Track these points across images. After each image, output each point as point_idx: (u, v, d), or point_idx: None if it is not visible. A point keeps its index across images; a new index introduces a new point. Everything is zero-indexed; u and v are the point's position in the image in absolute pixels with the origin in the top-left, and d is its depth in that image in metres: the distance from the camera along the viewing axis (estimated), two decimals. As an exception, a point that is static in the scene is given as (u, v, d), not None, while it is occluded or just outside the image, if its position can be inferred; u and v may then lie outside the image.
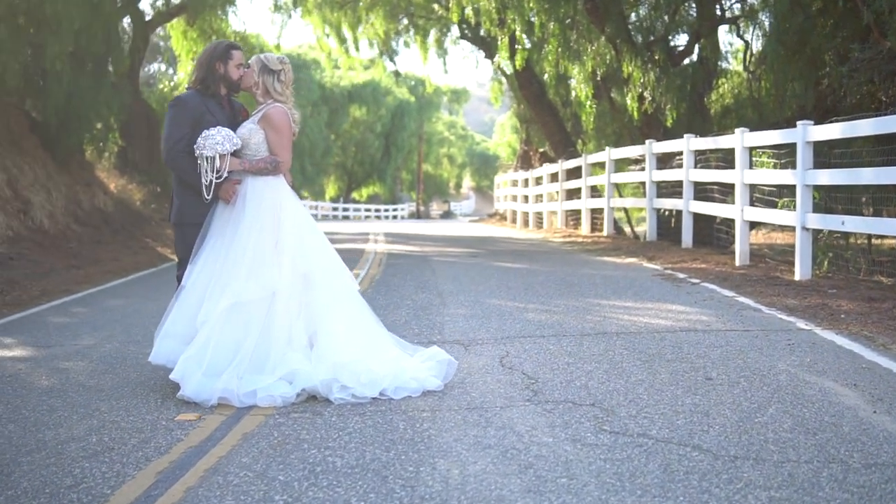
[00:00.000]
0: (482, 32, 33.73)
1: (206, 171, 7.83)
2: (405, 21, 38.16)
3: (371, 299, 12.95)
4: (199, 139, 7.81)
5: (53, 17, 20.35)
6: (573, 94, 28.26)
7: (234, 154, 7.89)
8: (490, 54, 35.50)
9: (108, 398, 7.79)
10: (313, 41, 43.73)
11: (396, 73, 44.15)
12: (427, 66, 38.24)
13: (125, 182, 29.10)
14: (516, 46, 26.64)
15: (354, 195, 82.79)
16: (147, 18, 31.59)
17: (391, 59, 40.56)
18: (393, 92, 71.70)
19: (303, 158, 63.66)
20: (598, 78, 27.37)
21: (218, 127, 7.87)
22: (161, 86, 37.61)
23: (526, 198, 36.28)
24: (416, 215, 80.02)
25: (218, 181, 7.84)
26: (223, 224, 7.93)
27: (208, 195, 7.89)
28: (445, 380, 7.75)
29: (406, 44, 39.25)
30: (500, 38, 27.57)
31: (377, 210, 76.50)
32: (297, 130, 8.19)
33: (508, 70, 31.18)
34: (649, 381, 7.84)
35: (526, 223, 35.84)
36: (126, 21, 31.19)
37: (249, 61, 8.20)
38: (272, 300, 7.62)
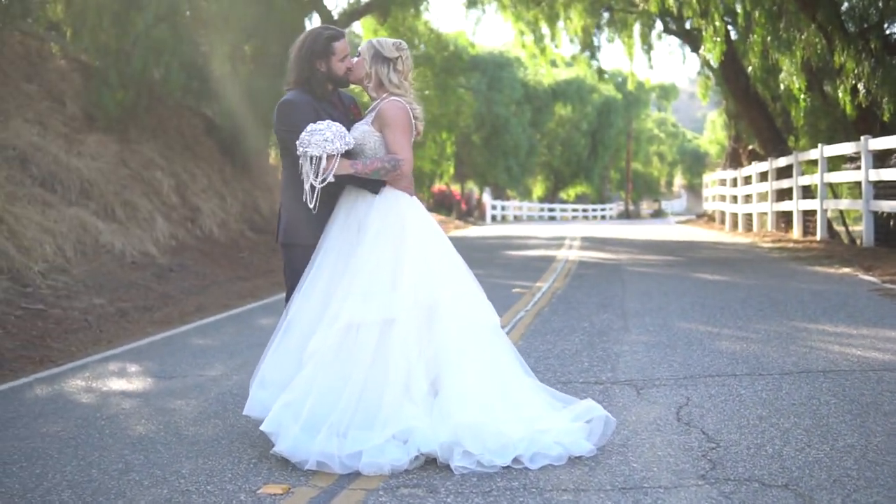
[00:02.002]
0: (687, 25, 31.81)
1: (309, 174, 6.41)
2: (606, 15, 36.41)
3: (545, 321, 11.55)
4: (304, 134, 6.36)
5: (219, 16, 19.44)
6: (782, 87, 26.13)
7: (346, 155, 6.45)
8: (695, 47, 33.49)
9: (196, 455, 6.51)
10: (511, 38, 42.39)
11: (600, 71, 42.33)
12: (632, 61, 36.17)
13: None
14: (716, 39, 24.73)
15: (561, 195, 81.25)
16: (334, 17, 30.69)
17: (592, 56, 38.86)
18: (598, 89, 69.64)
19: (507, 158, 62.39)
20: (810, 69, 25.23)
21: (328, 121, 6.42)
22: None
23: (735, 198, 34.17)
24: (626, 215, 78.08)
25: (322, 185, 6.41)
26: (339, 244, 6.52)
27: (312, 203, 6.44)
28: (600, 442, 6.13)
29: (610, 39, 37.48)
30: (703, 28, 25.69)
31: (584, 210, 74.83)
32: (420, 129, 6.68)
33: (714, 63, 29.18)
34: (861, 448, 6.05)
35: (735, 225, 33.73)
36: (311, 20, 30.34)
37: (360, 48, 6.74)
38: (389, 331, 6.17)
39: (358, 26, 36.23)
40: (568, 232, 34.66)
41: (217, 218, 20.37)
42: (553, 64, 57.08)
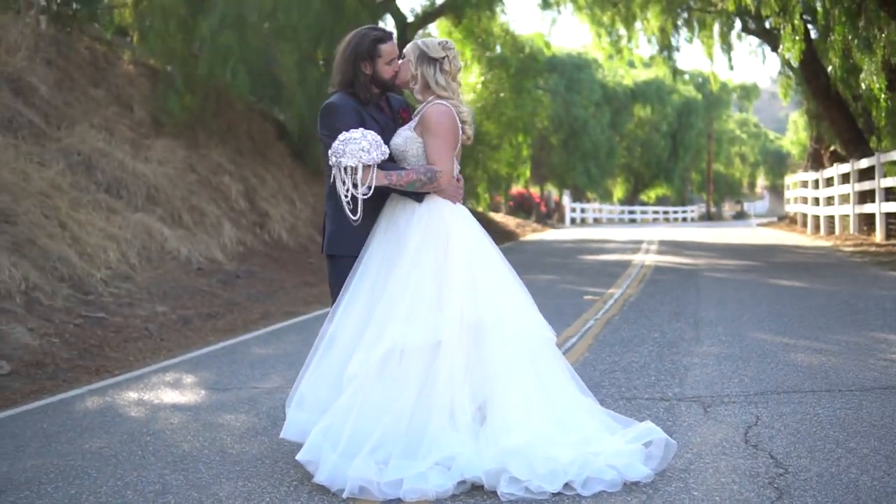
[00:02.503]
0: (767, 24, 31.08)
1: (345, 184, 6.05)
2: (685, 15, 35.75)
3: (614, 331, 11.16)
4: (338, 143, 5.99)
5: (287, 20, 19.21)
6: (862, 86, 25.36)
7: (388, 161, 6.10)
8: (775, 47, 32.72)
9: (236, 476, 6.22)
10: (588, 39, 41.86)
11: (675, 71, 41.63)
12: (712, 61, 35.50)
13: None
14: (794, 38, 24.06)
15: (642, 197, 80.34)
16: (408, 20, 30.44)
17: (670, 56, 38.20)
18: (678, 90, 68.67)
19: (586, 160, 61.68)
20: (891, 68, 24.44)
21: (362, 129, 6.04)
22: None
23: (816, 200, 33.33)
24: (707, 217, 76.97)
25: (364, 197, 6.04)
26: (380, 256, 6.15)
27: (354, 215, 6.09)
28: (659, 467, 5.72)
29: (688, 39, 36.85)
30: (781, 27, 25.03)
31: (665, 212, 73.93)
32: (470, 134, 6.28)
33: (794, 62, 28.46)
34: (947, 476, 5.61)
35: (816, 228, 32.90)
36: (385, 22, 30.08)
37: (405, 50, 6.37)
38: (434, 354, 5.81)
39: (433, 29, 35.92)
40: (646, 235, 34.07)
41: (286, 223, 20.17)
42: (631, 65, 56.43)
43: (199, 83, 20.00)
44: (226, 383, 9.45)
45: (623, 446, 5.74)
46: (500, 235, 32.89)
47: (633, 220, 68.06)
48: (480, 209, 38.20)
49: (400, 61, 6.36)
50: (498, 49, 34.87)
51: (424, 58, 6.21)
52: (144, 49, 20.85)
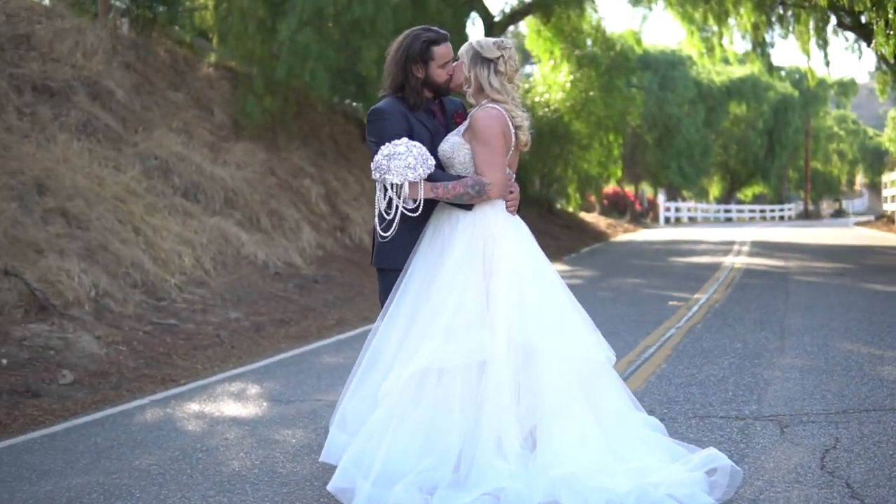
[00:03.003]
0: (863, 19, 30.22)
1: (391, 201, 5.72)
2: (779, 10, 34.92)
3: (695, 340, 10.75)
4: (381, 158, 5.63)
5: (365, 19, 18.95)
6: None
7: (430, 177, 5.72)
8: (870, 42, 31.80)
9: (281, 499, 5.99)
10: (681, 36, 41.15)
11: (770, 68, 40.72)
12: (808, 58, 34.60)
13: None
14: (888, 32, 23.27)
15: (738, 195, 79.07)
16: (496, 19, 30.09)
17: (764, 52, 37.37)
18: (774, 87, 67.40)
19: (680, 159, 60.80)
20: None
21: (406, 141, 5.66)
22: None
23: (916, 199, 32.41)
24: (805, 215, 75.55)
25: (413, 213, 5.69)
26: (424, 268, 5.78)
27: (386, 232, 5.77)
28: (725, 497, 5.31)
29: (783, 35, 35.95)
30: (875, 22, 24.25)
31: (762, 211, 72.61)
32: (526, 140, 5.87)
33: (889, 58, 27.58)
34: None
35: (916, 228, 31.99)
36: (472, 22, 29.79)
37: (460, 51, 5.97)
38: (479, 376, 5.45)
39: (522, 27, 35.56)
40: (739, 235, 33.33)
41: (368, 226, 19.91)
42: (725, 62, 55.40)
43: (279, 85, 19.84)
44: (290, 395, 9.21)
45: (685, 475, 5.33)
46: (589, 236, 32.47)
47: (728, 219, 66.93)
48: (571, 209, 37.72)
49: (455, 63, 6.00)
50: (589, 46, 34.30)
51: (478, 58, 5.81)
52: (224, 51, 20.75)
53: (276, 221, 17.65)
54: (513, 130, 5.76)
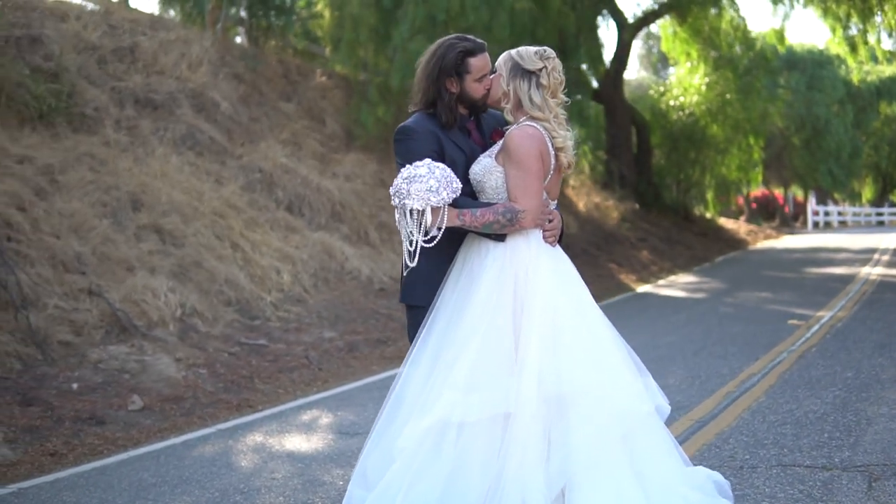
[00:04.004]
0: None
1: (412, 230, 5.09)
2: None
3: (804, 368, 10.01)
4: (401, 181, 4.99)
5: (479, 25, 18.33)
6: None
7: (456, 201, 5.09)
8: None
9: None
10: (827, 34, 39.66)
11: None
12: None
13: (602, 199, 26.88)
14: None
15: (892, 197, 76.46)
16: (628, 21, 29.30)
17: (909, 50, 35.81)
18: (929, 84, 64.96)
19: (829, 161, 58.94)
20: None
21: (429, 162, 5.03)
22: (651, 91, 35.18)
23: None
24: (965, 218, 72.72)
25: (427, 244, 5.12)
26: (451, 305, 5.14)
27: (413, 261, 5.18)
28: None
29: (936, 30, 34.37)
30: None
31: (917, 214, 70.14)
32: (569, 162, 5.17)
33: None
34: None
35: None
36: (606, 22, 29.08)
37: (497, 62, 5.35)
38: (503, 430, 4.82)
39: (655, 29, 34.70)
40: (883, 242, 31.80)
41: (488, 235, 19.39)
42: (875, 60, 53.44)
43: (393, 93, 19.39)
44: (360, 426, 8.72)
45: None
46: (726, 244, 31.40)
47: (880, 223, 64.65)
48: (709, 215, 36.59)
49: (493, 76, 5.36)
50: (729, 45, 33.16)
51: (518, 70, 5.16)
52: (336, 59, 20.39)
53: (384, 235, 17.19)
54: (552, 152, 5.10)
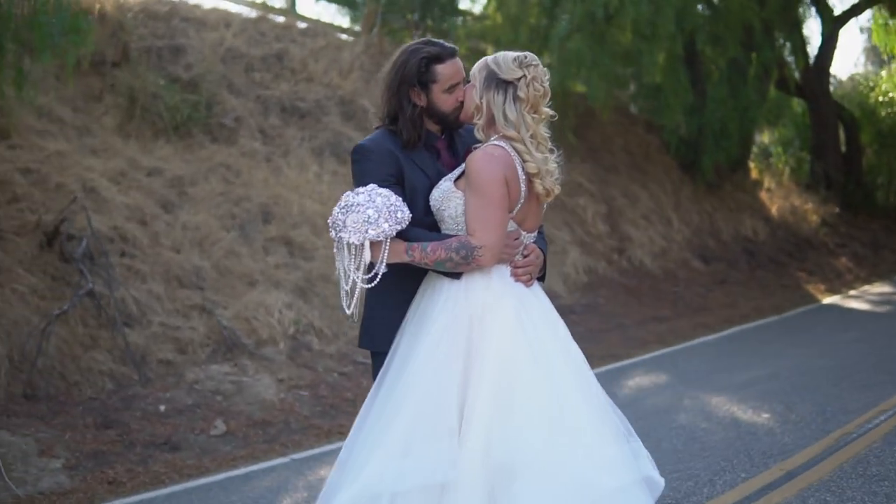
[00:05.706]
0: None
1: (349, 267, 4.40)
2: None
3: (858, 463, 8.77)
4: (337, 211, 4.31)
5: (641, 21, 17.39)
6: None
7: (405, 233, 4.38)
8: None
9: None
10: None
11: None
12: None
13: (800, 202, 25.41)
14: None
15: None
16: (835, 13, 27.71)
17: None
18: None
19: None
20: None
21: (372, 188, 4.32)
22: (861, 88, 33.26)
23: None
24: None
25: (368, 285, 4.43)
26: (402, 352, 4.42)
27: (349, 305, 4.48)
28: None
29: None
30: None
31: None
32: (548, 189, 4.39)
33: None
34: None
35: None
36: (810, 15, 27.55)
37: (472, 70, 4.56)
38: (440, 499, 4.11)
39: (864, 21, 32.78)
40: None
41: (655, 246, 18.40)
42: None
43: (555, 95, 18.60)
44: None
45: None
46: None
47: None
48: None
49: (467, 86, 4.63)
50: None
51: (492, 80, 4.39)
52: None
53: (541, 245, 16.48)
54: (522, 177, 4.35)
